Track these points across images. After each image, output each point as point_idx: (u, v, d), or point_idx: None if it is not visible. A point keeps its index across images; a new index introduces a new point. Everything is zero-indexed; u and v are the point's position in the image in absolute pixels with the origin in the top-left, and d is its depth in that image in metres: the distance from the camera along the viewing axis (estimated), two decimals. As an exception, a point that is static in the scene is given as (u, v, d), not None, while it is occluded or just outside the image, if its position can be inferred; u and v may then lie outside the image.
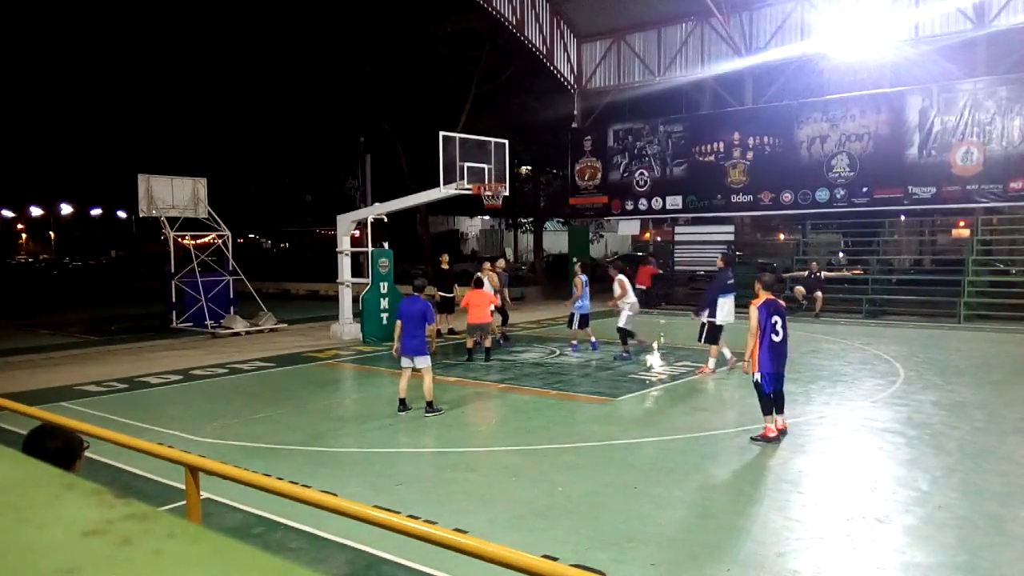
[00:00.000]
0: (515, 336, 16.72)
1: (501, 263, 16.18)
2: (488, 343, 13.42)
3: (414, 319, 9.06)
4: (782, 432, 7.88)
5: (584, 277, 14.27)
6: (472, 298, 13.31)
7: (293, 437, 8.26)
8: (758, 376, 7.80)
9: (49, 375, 12.48)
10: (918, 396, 9.89)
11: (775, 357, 7.81)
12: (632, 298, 13.48)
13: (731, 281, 11.92)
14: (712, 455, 7.45)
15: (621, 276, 13.40)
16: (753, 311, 7.83)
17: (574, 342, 14.33)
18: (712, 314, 11.58)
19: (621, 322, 13.27)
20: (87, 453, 3.08)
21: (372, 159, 32.59)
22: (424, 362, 9.13)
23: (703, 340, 11.83)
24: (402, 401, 9.26)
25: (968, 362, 12.64)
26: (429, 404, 9.17)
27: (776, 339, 7.79)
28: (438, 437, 8.42)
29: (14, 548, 0.63)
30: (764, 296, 8.00)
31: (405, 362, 9.21)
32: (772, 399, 7.84)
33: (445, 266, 17.22)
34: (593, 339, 14.23)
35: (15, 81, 44.25)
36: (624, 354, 13.14)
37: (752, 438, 7.85)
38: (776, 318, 7.81)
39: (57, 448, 2.86)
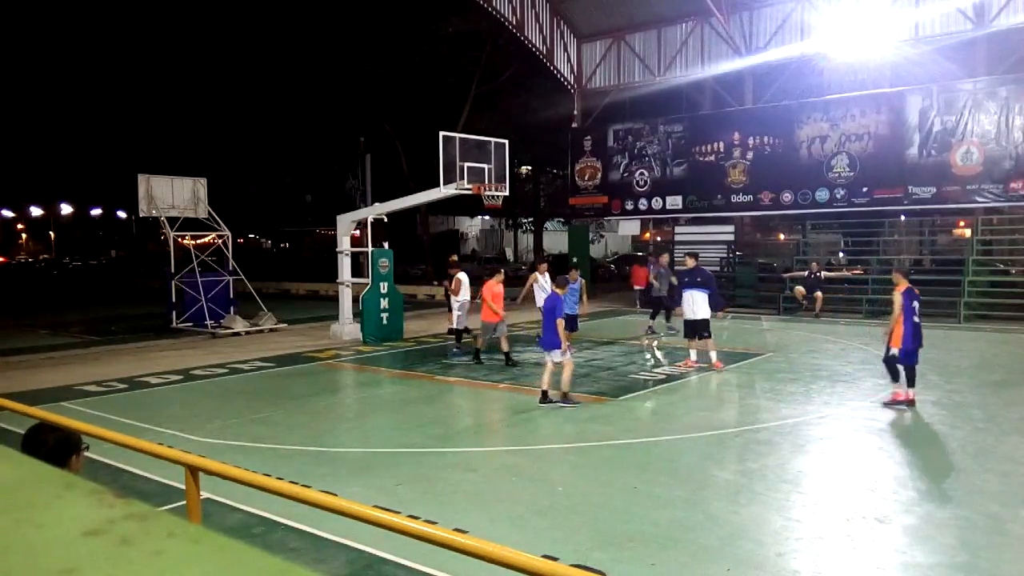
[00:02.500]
0: (515, 336, 16.67)
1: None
2: (505, 346, 12.70)
3: (544, 314, 9.63)
4: (910, 403, 9.01)
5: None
6: (493, 291, 12.53)
7: (293, 437, 8.25)
8: (895, 350, 8.99)
9: (49, 375, 12.47)
10: (918, 396, 9.88)
11: (917, 335, 9.00)
12: (464, 297, 13.82)
13: (699, 279, 12.31)
14: (712, 455, 7.45)
15: (460, 275, 14.09)
16: (897, 297, 9.03)
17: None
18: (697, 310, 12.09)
19: (452, 323, 13.90)
20: (88, 453, 3.08)
21: (372, 159, 32.60)
22: (556, 356, 9.50)
23: (695, 336, 12.19)
24: (543, 393, 9.53)
25: (968, 362, 12.63)
26: (564, 395, 9.46)
27: (917, 320, 8.99)
28: (438, 437, 8.42)
29: (14, 548, 0.63)
30: (904, 284, 9.12)
31: (545, 356, 9.68)
32: (911, 370, 9.05)
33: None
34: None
35: (15, 81, 44.26)
36: (455, 351, 13.74)
37: (884, 403, 9.14)
38: (916, 303, 9.03)
39: (55, 440, 2.88)
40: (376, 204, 18.62)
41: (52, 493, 0.74)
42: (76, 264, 66.37)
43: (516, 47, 26.87)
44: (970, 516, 5.70)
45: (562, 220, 41.71)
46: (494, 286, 12.60)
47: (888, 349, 9.13)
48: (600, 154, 25.43)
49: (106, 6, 39.22)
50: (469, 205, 36.86)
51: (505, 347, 12.66)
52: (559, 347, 9.43)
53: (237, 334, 17.28)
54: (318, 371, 12.83)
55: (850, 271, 20.92)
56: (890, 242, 22.67)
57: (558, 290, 9.89)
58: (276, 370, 12.82)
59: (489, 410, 9.82)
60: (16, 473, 0.82)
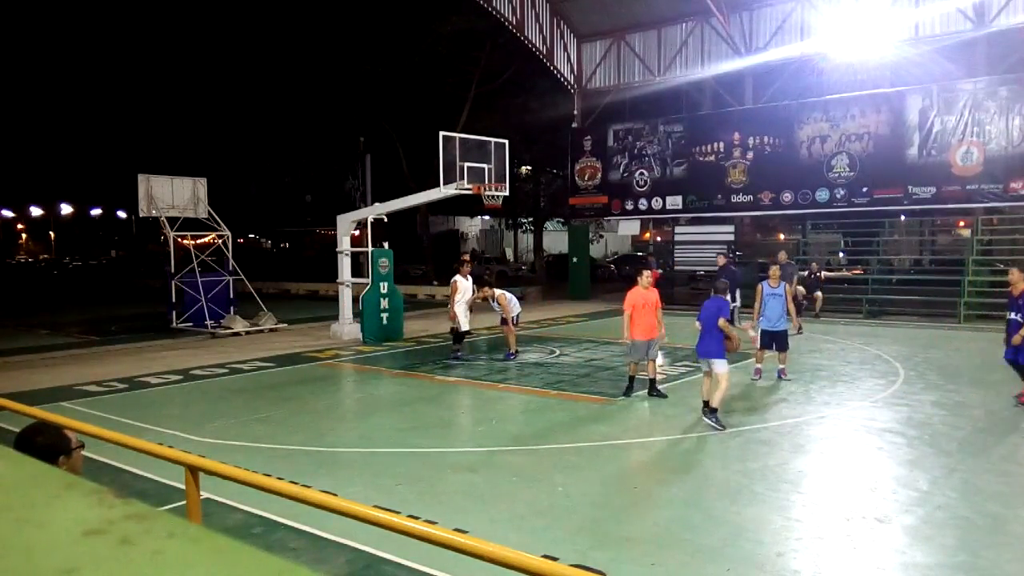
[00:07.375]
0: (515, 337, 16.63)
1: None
2: (653, 371, 9.99)
3: (706, 320, 8.68)
4: None
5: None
6: (635, 299, 9.64)
7: (293, 437, 8.25)
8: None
9: (49, 375, 12.47)
10: (918, 396, 9.89)
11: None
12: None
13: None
14: (712, 455, 7.45)
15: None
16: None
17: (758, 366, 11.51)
18: None
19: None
20: (88, 453, 3.08)
21: (372, 159, 32.61)
22: (718, 366, 8.45)
23: None
24: (705, 403, 8.53)
25: (968, 362, 12.63)
26: (711, 409, 8.31)
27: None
28: (438, 437, 8.42)
29: (14, 548, 0.63)
30: None
31: (703, 365, 8.78)
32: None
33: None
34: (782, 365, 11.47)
35: (15, 81, 44.24)
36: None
37: (1015, 395, 9.34)
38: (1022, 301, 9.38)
39: (42, 443, 2.89)
40: (376, 204, 18.62)
41: (52, 493, 0.74)
42: (76, 264, 66.32)
43: (516, 47, 26.85)
44: (970, 516, 5.70)
45: (562, 220, 41.69)
46: (647, 292, 9.68)
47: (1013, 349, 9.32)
48: (600, 154, 25.44)
49: (106, 6, 39.20)
50: (469, 205, 36.86)
51: (654, 372, 10.07)
52: (720, 356, 8.39)
53: (237, 334, 17.28)
54: (318, 371, 12.83)
55: (850, 271, 20.92)
56: (890, 242, 22.68)
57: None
58: (276, 370, 12.82)
59: (489, 410, 9.81)
60: (16, 473, 0.82)
